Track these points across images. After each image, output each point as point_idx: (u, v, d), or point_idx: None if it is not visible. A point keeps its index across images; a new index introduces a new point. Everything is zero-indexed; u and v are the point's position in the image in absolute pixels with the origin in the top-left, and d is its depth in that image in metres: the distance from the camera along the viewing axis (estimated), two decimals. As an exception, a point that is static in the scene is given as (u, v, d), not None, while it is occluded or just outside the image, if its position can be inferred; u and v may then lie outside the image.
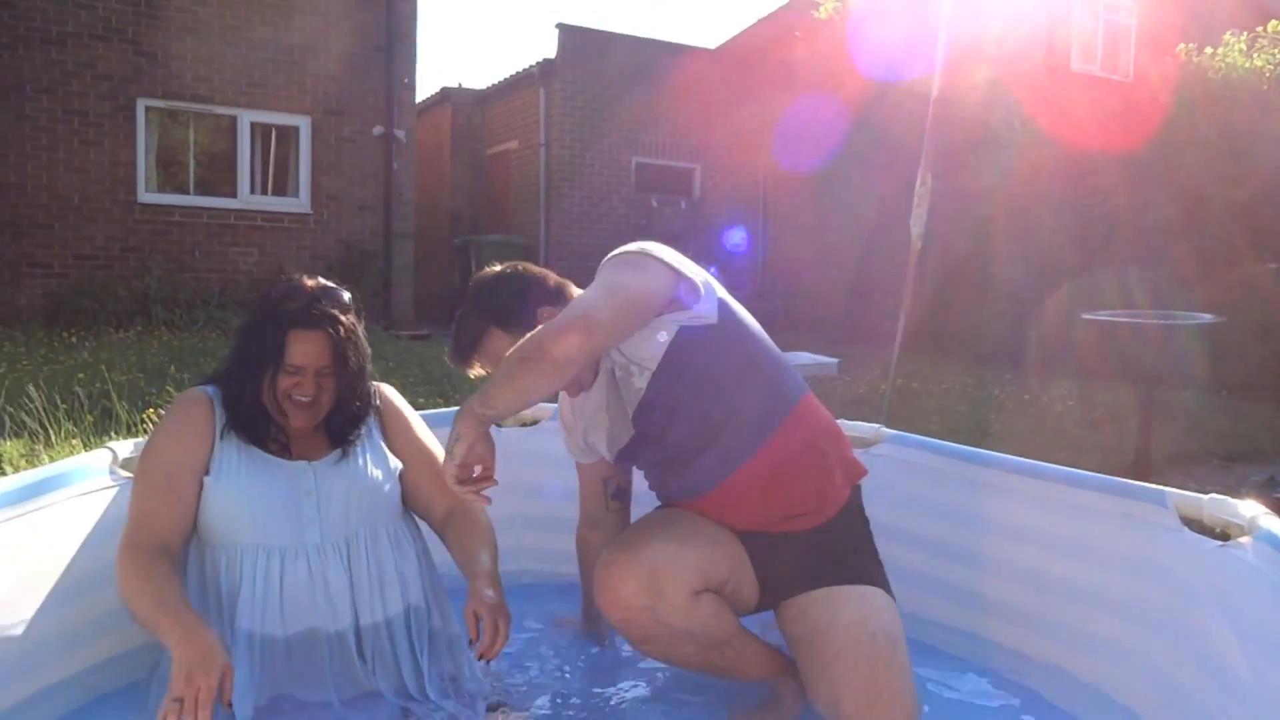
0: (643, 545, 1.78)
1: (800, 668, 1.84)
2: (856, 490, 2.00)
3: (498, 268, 2.10)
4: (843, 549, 1.91)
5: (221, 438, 1.78)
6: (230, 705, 1.48)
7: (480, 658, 1.69)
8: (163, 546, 1.68)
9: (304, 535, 1.76)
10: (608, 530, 2.21)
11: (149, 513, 1.71)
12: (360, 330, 1.87)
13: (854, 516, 1.98)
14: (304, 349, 1.76)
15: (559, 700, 2.00)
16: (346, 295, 1.87)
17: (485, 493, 1.73)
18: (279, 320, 1.77)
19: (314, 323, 1.76)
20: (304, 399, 1.78)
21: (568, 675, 2.13)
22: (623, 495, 2.23)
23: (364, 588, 1.80)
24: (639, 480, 2.20)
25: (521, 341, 1.74)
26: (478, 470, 1.73)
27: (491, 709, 1.84)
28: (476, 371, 2.05)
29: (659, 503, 2.07)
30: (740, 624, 1.88)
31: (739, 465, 1.86)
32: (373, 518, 1.85)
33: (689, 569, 1.77)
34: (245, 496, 1.74)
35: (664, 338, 1.84)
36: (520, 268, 2.08)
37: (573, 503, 2.29)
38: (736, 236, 12.26)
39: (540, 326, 1.76)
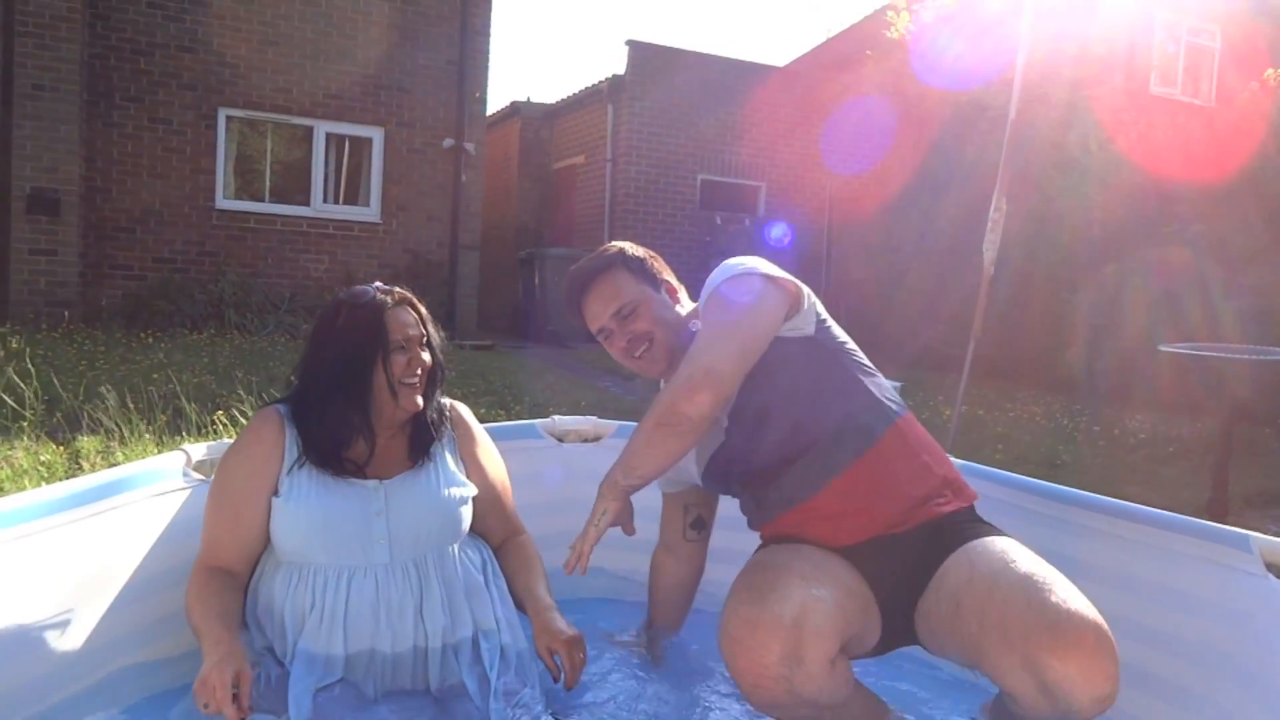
0: (782, 599, 1.59)
1: (964, 654, 1.63)
2: (974, 510, 1.89)
3: None
4: (960, 525, 1.79)
5: (295, 459, 1.80)
6: (250, 710, 1.54)
7: (566, 688, 1.77)
8: (225, 569, 1.77)
9: (372, 554, 1.77)
10: (682, 559, 2.21)
11: (215, 540, 1.79)
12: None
13: (972, 516, 1.86)
14: (401, 321, 1.84)
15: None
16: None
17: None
18: (371, 309, 1.82)
19: (400, 302, 1.87)
20: (416, 376, 1.83)
21: (624, 696, 2.10)
22: (701, 526, 2.21)
23: (434, 609, 1.80)
24: (723, 508, 2.18)
25: (654, 407, 1.75)
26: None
27: None
28: (593, 309, 2.00)
29: (756, 535, 2.01)
30: (854, 679, 1.76)
31: (834, 476, 1.80)
32: (442, 538, 1.86)
33: (829, 632, 1.60)
34: (314, 517, 1.76)
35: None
36: None
37: (638, 521, 2.27)
38: (778, 230, 12.01)
39: (666, 388, 1.76)
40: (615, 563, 2.59)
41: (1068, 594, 1.52)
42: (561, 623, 1.83)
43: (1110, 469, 5.36)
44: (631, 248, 2.08)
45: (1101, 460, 5.74)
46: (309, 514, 1.76)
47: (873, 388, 1.90)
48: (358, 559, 1.76)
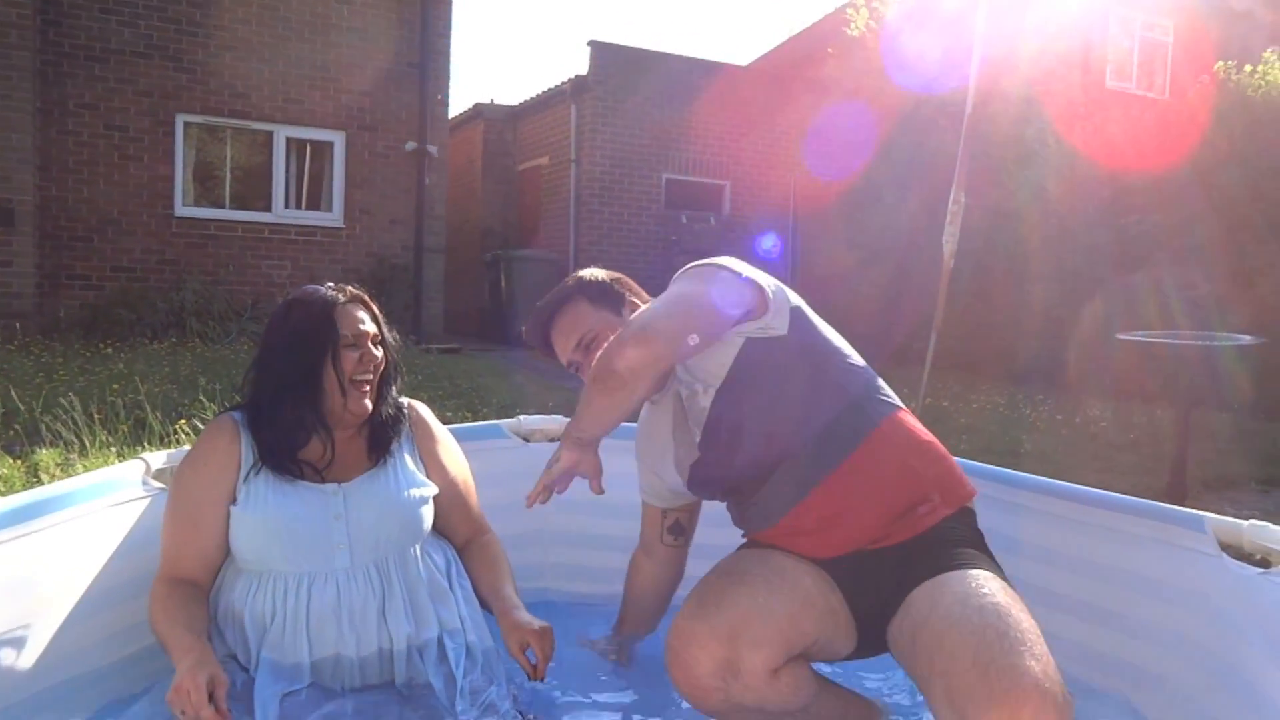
0: (721, 609, 1.61)
1: (918, 685, 1.58)
2: (966, 512, 1.81)
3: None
4: (941, 544, 1.70)
5: (251, 467, 1.78)
6: (227, 714, 1.51)
7: (538, 679, 1.78)
8: (188, 580, 1.75)
9: (333, 559, 1.76)
10: (659, 561, 2.20)
11: (175, 552, 1.77)
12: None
13: (959, 525, 1.77)
14: (352, 317, 1.83)
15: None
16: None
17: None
18: (319, 306, 1.82)
19: (348, 299, 1.86)
20: (367, 375, 1.82)
21: (595, 696, 2.11)
22: (680, 531, 2.18)
23: (397, 611, 1.79)
24: (708, 514, 2.18)
25: (594, 364, 1.76)
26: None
27: None
28: (558, 345, 2.04)
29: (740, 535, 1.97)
30: (820, 683, 1.74)
31: (812, 488, 1.74)
32: (403, 539, 1.84)
33: (771, 643, 1.59)
34: (273, 525, 1.74)
35: (729, 351, 1.78)
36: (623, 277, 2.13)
37: (601, 519, 2.29)
38: (769, 242, 12.11)
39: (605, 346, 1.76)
40: (598, 562, 2.60)
41: (1017, 654, 1.39)
42: (529, 616, 1.83)
43: (1072, 457, 5.45)
44: (591, 274, 2.07)
45: (1063, 448, 5.83)
46: (267, 521, 1.74)
47: (853, 389, 1.82)
48: (318, 565, 1.75)
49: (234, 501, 1.76)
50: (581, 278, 2.06)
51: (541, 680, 1.79)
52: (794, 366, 1.79)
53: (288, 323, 1.82)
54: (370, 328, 1.85)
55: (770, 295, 1.81)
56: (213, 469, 1.78)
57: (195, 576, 1.76)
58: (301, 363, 1.78)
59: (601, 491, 1.84)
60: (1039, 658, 1.39)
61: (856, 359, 1.90)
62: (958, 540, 1.73)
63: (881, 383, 1.92)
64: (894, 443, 1.78)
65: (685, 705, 2.04)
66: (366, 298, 1.90)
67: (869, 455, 1.74)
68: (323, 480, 1.81)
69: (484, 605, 1.95)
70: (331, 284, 1.89)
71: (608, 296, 2.03)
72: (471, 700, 1.76)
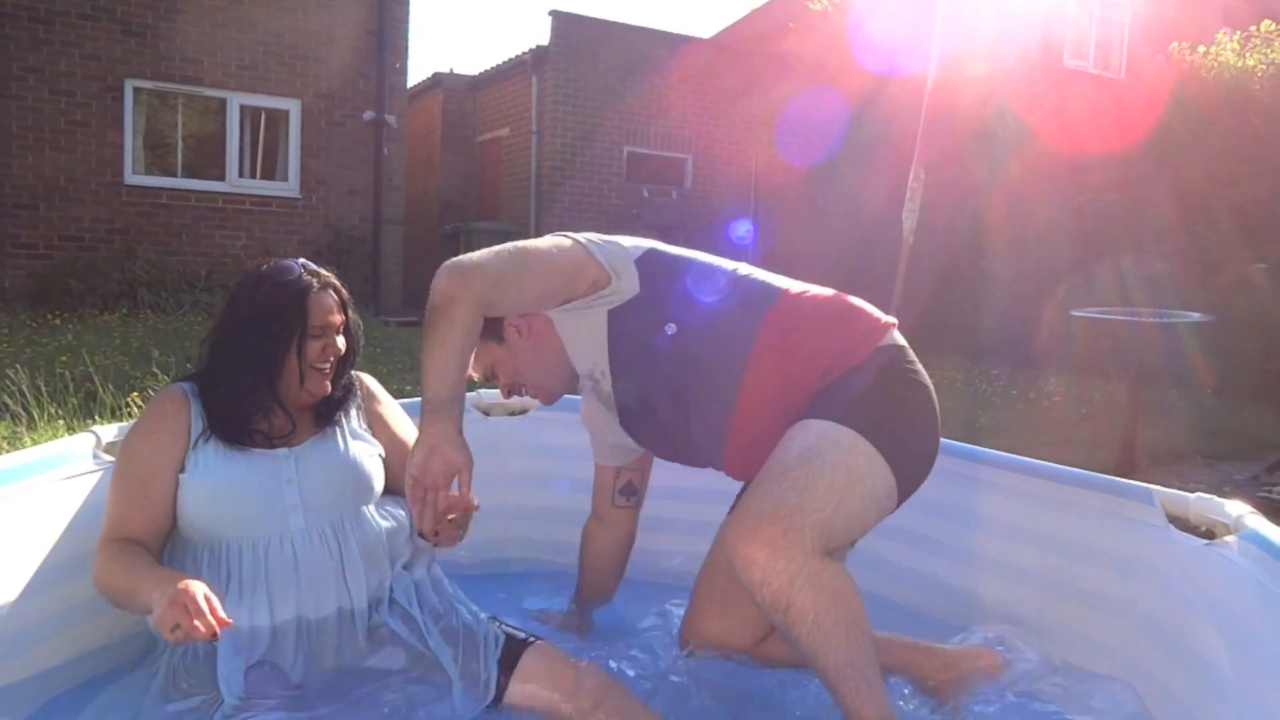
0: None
1: None
2: (863, 364, 1.78)
3: None
4: (819, 397, 1.76)
5: (200, 434, 1.76)
6: (222, 629, 1.45)
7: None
8: (135, 540, 1.70)
9: (288, 522, 1.74)
10: (612, 525, 2.24)
11: (122, 515, 1.72)
12: None
13: (848, 377, 1.77)
14: (324, 306, 1.80)
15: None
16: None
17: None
18: (293, 292, 1.78)
19: (323, 287, 1.83)
20: (328, 363, 1.81)
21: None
22: (632, 492, 2.24)
23: (356, 571, 1.78)
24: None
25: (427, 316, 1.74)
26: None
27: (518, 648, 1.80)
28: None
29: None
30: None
31: (727, 432, 1.83)
32: (356, 498, 1.84)
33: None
34: (224, 491, 1.72)
35: (599, 332, 1.84)
36: None
37: (561, 493, 2.29)
38: (742, 229, 12.15)
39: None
40: (557, 535, 2.60)
41: (773, 489, 1.61)
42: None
43: (1026, 431, 5.53)
44: None
45: (1018, 423, 5.92)
46: (220, 486, 1.72)
47: (727, 314, 1.83)
48: (273, 528, 1.73)
49: (182, 469, 1.73)
50: None
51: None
52: (659, 319, 1.83)
53: (256, 298, 1.79)
54: (338, 317, 1.84)
55: (605, 262, 1.83)
56: (163, 436, 1.75)
57: (145, 541, 1.72)
58: (265, 343, 1.77)
59: (474, 506, 1.68)
60: (785, 496, 1.59)
61: (732, 274, 1.91)
62: (836, 390, 1.77)
63: (763, 277, 1.92)
64: (785, 339, 1.80)
65: (648, 666, 2.06)
66: (338, 283, 1.87)
67: (762, 371, 1.79)
68: (272, 446, 1.79)
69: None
70: (305, 262, 1.86)
71: (490, 330, 1.94)
72: (437, 625, 1.78)
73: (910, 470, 1.78)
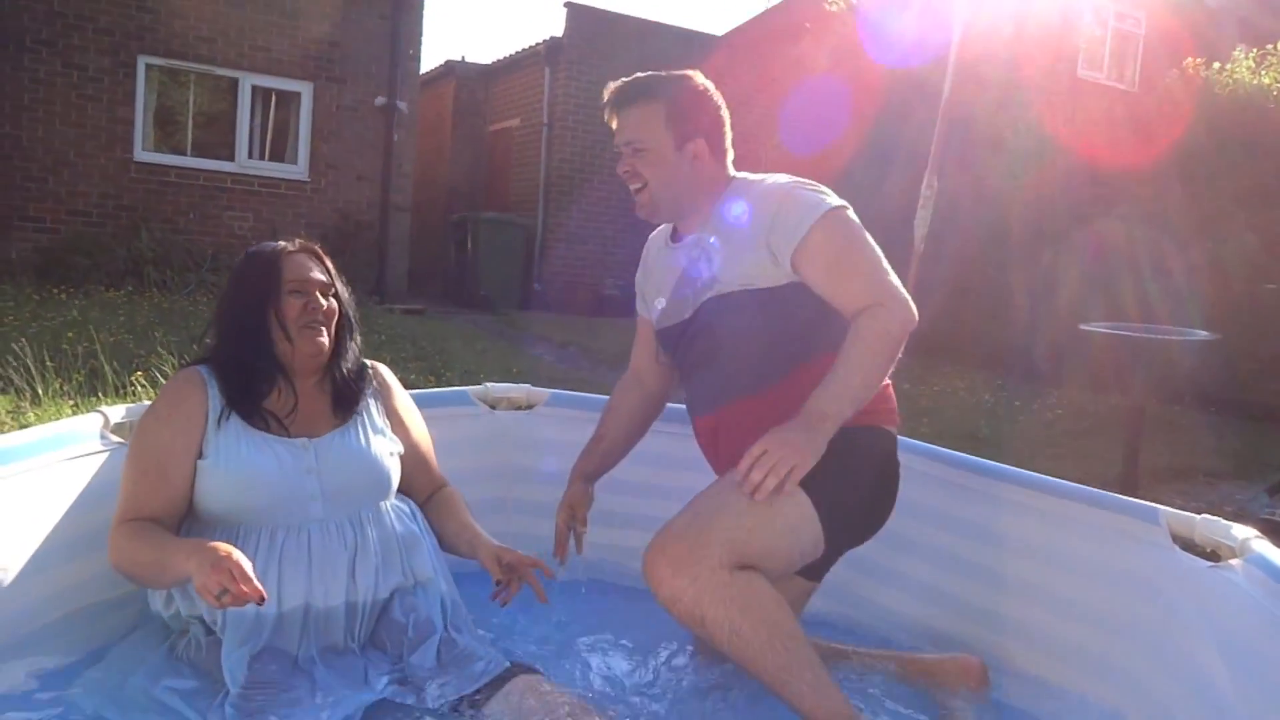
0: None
1: None
2: (870, 433, 1.89)
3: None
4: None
5: (218, 418, 1.76)
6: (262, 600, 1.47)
7: (503, 602, 1.82)
8: (151, 519, 1.70)
9: (307, 511, 1.75)
10: (649, 382, 2.26)
11: (138, 497, 1.72)
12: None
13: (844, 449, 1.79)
14: (298, 264, 1.83)
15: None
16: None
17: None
18: (267, 255, 1.83)
19: (298, 248, 1.87)
20: (316, 319, 1.80)
21: (549, 658, 2.10)
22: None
23: (368, 566, 1.78)
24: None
25: (872, 343, 1.78)
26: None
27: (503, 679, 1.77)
28: (615, 123, 2.05)
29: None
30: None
31: (737, 397, 1.91)
32: (375, 494, 1.85)
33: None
34: (245, 479, 1.72)
35: (781, 273, 1.88)
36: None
37: (563, 489, 2.26)
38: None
39: (881, 321, 1.79)
40: (551, 531, 2.58)
41: (695, 505, 1.72)
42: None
43: (1027, 443, 5.53)
44: (693, 87, 2.03)
45: (1019, 435, 5.92)
46: (241, 472, 1.72)
47: (810, 333, 1.92)
48: (292, 516, 1.73)
49: (201, 456, 1.73)
50: (683, 84, 2.03)
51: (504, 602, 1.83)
52: (790, 306, 1.89)
53: (239, 271, 1.86)
54: (319, 276, 1.85)
55: None
56: (180, 419, 1.75)
57: (160, 522, 1.71)
58: (249, 308, 1.80)
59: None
60: (699, 520, 1.67)
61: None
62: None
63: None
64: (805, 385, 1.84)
65: (653, 662, 2.06)
66: (319, 250, 1.90)
67: (792, 385, 1.85)
68: (290, 435, 1.79)
69: (451, 549, 1.96)
70: (289, 239, 1.90)
71: (683, 122, 1.99)
72: (448, 651, 1.77)
73: (844, 543, 1.89)
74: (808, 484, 1.71)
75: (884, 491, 1.95)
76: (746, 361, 1.92)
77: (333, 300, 1.86)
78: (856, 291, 1.84)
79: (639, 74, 2.04)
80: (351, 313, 1.92)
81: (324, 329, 1.82)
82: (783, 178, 2.01)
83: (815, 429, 1.72)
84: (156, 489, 1.72)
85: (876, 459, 1.92)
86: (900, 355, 1.82)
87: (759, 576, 1.66)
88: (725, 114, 2.08)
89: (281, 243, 1.87)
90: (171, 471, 1.72)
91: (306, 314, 1.80)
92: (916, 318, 1.81)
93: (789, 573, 1.82)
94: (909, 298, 1.83)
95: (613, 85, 2.04)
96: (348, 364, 1.89)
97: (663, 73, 2.04)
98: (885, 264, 1.88)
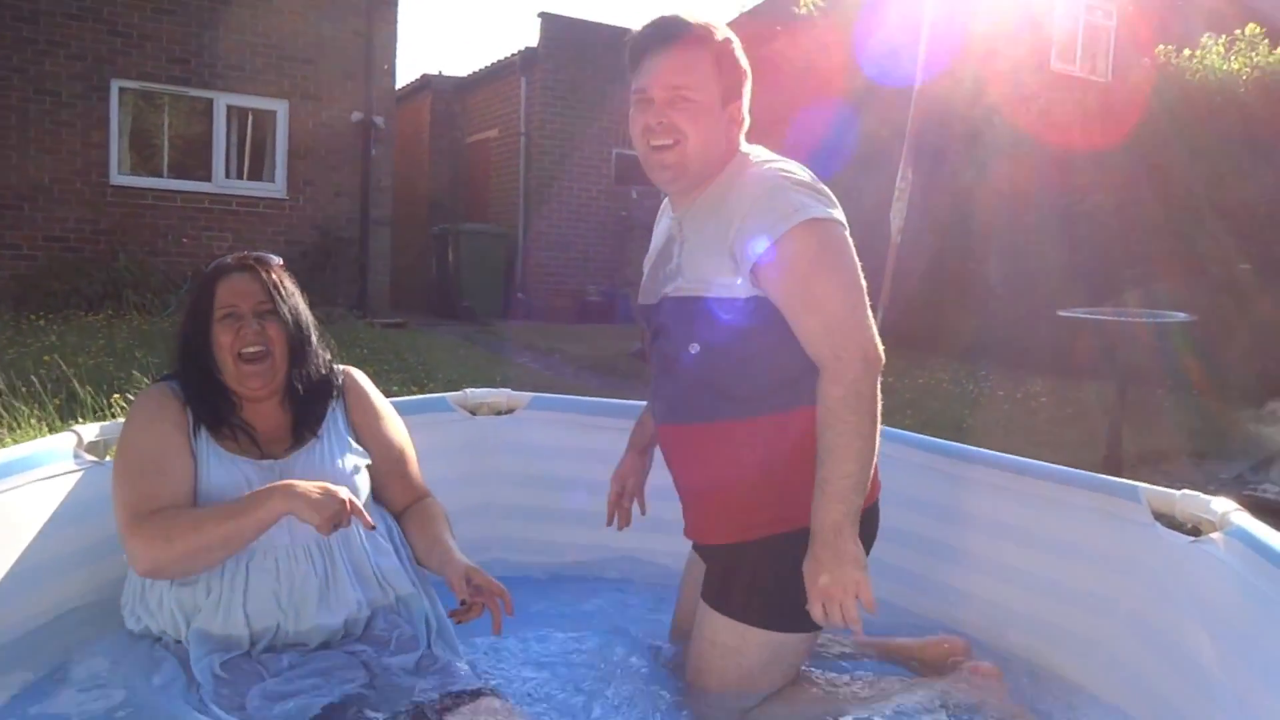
0: None
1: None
2: (795, 536, 1.69)
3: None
4: (739, 571, 1.79)
5: (193, 429, 1.73)
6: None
7: (465, 619, 1.75)
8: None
9: (273, 536, 1.67)
10: None
11: (144, 493, 1.64)
12: (295, 287, 1.85)
13: (780, 550, 1.71)
14: (231, 288, 1.76)
15: (532, 694, 1.97)
16: (278, 259, 1.87)
17: None
18: (205, 277, 1.80)
19: (239, 268, 1.80)
20: (254, 348, 1.72)
21: (544, 672, 2.09)
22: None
23: (342, 587, 1.73)
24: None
25: (845, 416, 1.61)
26: None
27: (473, 695, 1.78)
28: (647, 66, 1.77)
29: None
30: None
31: (678, 421, 1.81)
32: None
33: None
34: (208, 497, 1.68)
35: (741, 285, 1.67)
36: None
37: (549, 492, 2.26)
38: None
39: (844, 385, 1.61)
40: (544, 535, 2.58)
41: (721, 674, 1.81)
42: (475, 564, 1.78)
43: (1012, 432, 5.55)
44: (736, 44, 1.78)
45: (1004, 423, 5.94)
46: (208, 493, 1.68)
47: (782, 374, 1.72)
48: (257, 540, 1.67)
49: (194, 457, 1.70)
50: (732, 41, 1.77)
51: (461, 621, 1.73)
52: (756, 330, 1.70)
53: (189, 293, 1.84)
54: (256, 301, 1.75)
55: None
56: (166, 422, 1.71)
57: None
58: (193, 333, 1.76)
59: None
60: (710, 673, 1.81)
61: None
62: (763, 581, 1.76)
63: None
64: (776, 436, 1.72)
65: (635, 666, 2.05)
66: (269, 265, 1.81)
67: (743, 434, 1.73)
68: (261, 454, 1.76)
69: (424, 563, 1.88)
70: (247, 253, 1.84)
71: (732, 81, 1.76)
72: (429, 667, 1.72)
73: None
74: (765, 620, 1.75)
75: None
76: (696, 387, 1.76)
77: (270, 321, 1.76)
78: (812, 332, 1.65)
79: (676, 13, 1.76)
80: (307, 326, 1.83)
81: (260, 362, 1.73)
82: (780, 168, 1.76)
83: (840, 546, 1.61)
84: (159, 483, 1.65)
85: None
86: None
87: (768, 703, 1.79)
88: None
89: (227, 259, 1.81)
90: (168, 464, 1.67)
91: (240, 342, 1.72)
92: (882, 357, 1.65)
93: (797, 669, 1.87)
94: (873, 338, 1.65)
95: (645, 28, 1.78)
96: (306, 382, 1.82)
97: (701, 19, 1.77)
98: (855, 295, 1.67)
